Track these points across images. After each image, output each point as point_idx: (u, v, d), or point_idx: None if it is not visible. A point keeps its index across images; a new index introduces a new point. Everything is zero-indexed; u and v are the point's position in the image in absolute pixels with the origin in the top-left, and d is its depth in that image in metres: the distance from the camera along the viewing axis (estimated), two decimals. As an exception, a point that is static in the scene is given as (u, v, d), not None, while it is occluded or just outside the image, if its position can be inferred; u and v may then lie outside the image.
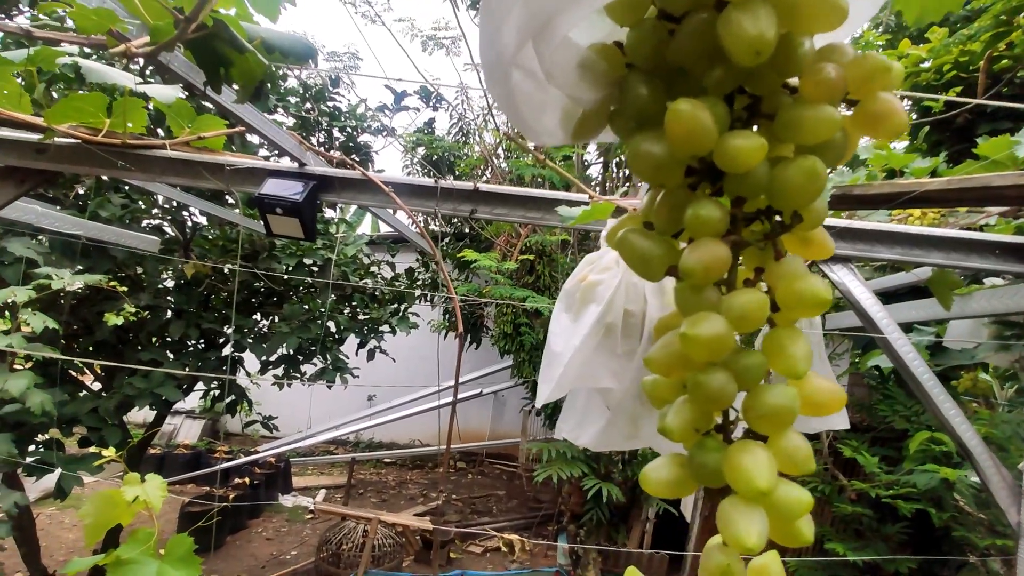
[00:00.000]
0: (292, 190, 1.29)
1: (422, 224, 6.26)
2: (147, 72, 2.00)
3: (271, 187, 1.29)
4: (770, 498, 0.28)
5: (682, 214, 0.32)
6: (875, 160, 1.53)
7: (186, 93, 1.03)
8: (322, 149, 4.13)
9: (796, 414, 0.29)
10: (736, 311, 0.29)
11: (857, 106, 0.31)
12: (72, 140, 1.16)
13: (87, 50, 1.01)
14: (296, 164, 1.33)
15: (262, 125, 1.17)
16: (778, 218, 0.33)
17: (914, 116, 4.49)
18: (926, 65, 4.21)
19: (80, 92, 1.39)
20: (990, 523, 3.43)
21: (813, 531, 0.29)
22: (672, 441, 0.31)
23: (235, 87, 0.85)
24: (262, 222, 1.30)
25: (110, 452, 1.33)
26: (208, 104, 1.60)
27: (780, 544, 0.30)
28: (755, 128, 0.34)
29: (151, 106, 1.71)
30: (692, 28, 0.31)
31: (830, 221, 1.24)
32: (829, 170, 0.32)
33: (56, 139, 1.18)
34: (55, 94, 2.26)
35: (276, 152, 1.37)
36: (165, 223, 3.23)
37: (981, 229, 1.55)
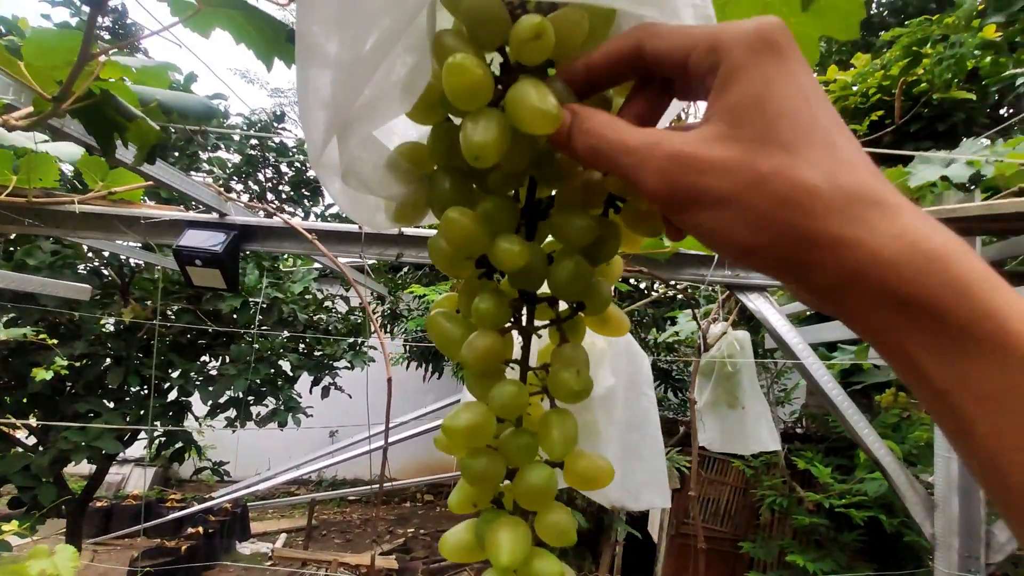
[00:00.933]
0: (212, 241, 1.28)
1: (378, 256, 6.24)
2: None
3: (190, 239, 1.28)
4: (522, 570, 0.30)
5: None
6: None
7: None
8: (269, 185, 4.10)
9: (555, 491, 0.31)
10: (497, 401, 0.31)
11: (625, 204, 0.34)
12: (-26, 200, 1.14)
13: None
14: (216, 215, 1.33)
15: (173, 180, 1.17)
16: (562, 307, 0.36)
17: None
18: (855, 89, 4.47)
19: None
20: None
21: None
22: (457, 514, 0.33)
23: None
24: (182, 274, 1.29)
25: (12, 525, 1.27)
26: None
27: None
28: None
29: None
30: (470, 131, 0.34)
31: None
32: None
33: (-43, 199, 1.15)
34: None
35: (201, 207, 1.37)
36: (103, 267, 3.13)
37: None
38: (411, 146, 0.38)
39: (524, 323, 0.35)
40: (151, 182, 1.17)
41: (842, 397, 1.42)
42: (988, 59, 3.90)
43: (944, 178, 1.39)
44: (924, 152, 1.44)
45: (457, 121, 0.37)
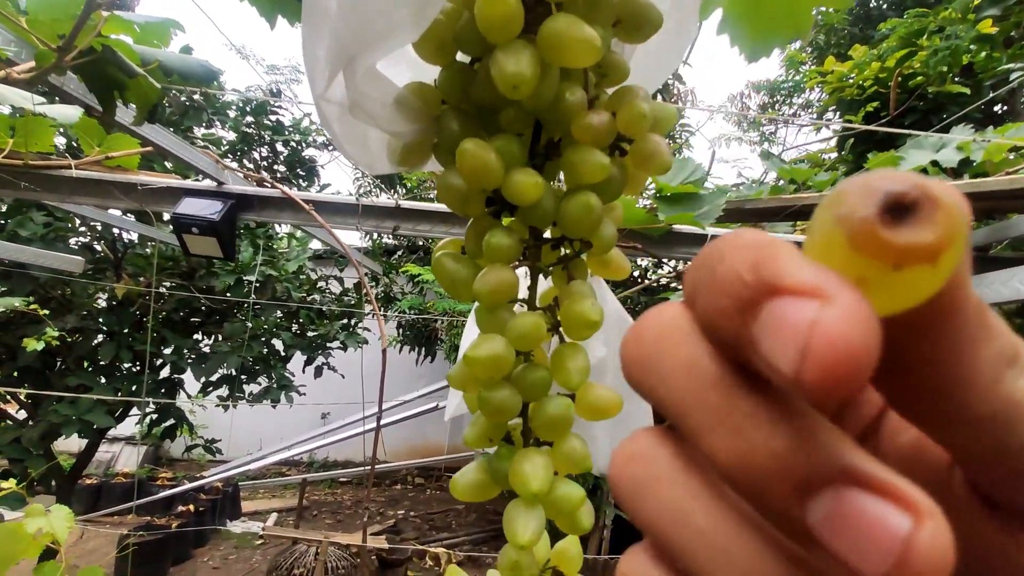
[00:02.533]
0: (209, 209, 1.28)
1: (376, 239, 6.20)
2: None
3: (187, 206, 1.28)
4: (546, 498, 0.31)
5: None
6: (782, 173, 1.63)
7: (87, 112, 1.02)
8: (264, 164, 4.07)
9: (571, 422, 0.32)
10: (516, 332, 0.32)
11: (632, 145, 0.35)
12: (-31, 161, 1.13)
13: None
14: (214, 183, 1.32)
15: (172, 146, 1.16)
16: (576, 243, 0.37)
17: (842, 129, 4.77)
18: (851, 80, 4.48)
19: (-21, 112, 1.34)
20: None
21: (592, 519, 0.33)
22: (472, 450, 0.34)
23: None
24: (178, 242, 1.29)
25: (10, 484, 1.27)
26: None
27: (565, 531, 0.34)
28: (559, 166, 0.38)
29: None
30: (484, 70, 0.35)
31: (732, 233, 1.31)
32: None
33: (-49, 161, 1.14)
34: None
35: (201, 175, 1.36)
36: (95, 241, 3.11)
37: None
38: (420, 85, 0.39)
39: (532, 261, 0.36)
40: (149, 147, 1.17)
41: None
42: (983, 53, 3.93)
43: (934, 163, 1.41)
44: (918, 135, 1.46)
45: (467, 60, 0.38)
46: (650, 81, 0.44)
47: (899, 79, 3.92)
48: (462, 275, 0.36)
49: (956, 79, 4.01)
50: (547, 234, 0.39)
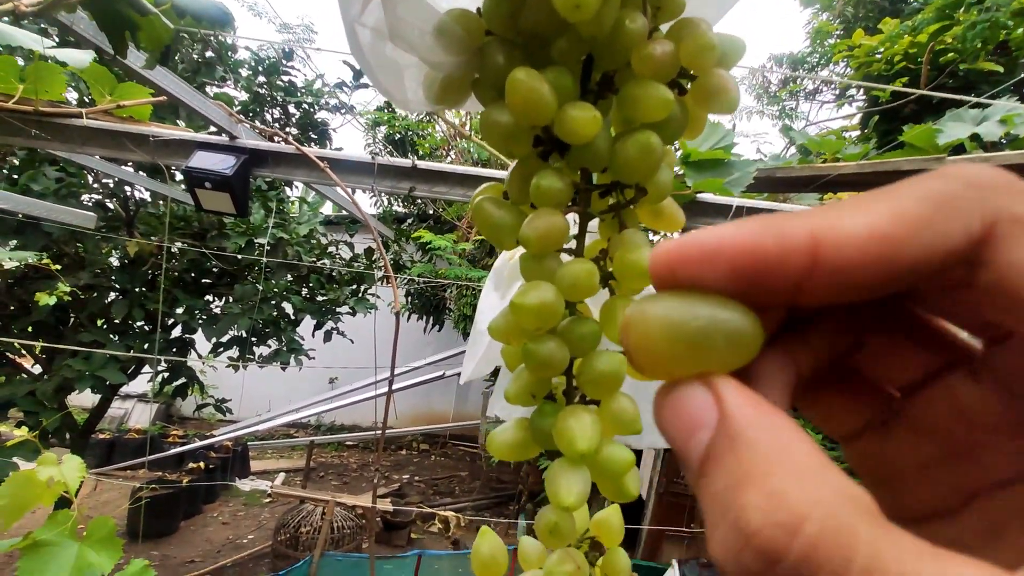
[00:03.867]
0: (223, 164, 1.25)
1: (386, 206, 6.16)
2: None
3: (200, 160, 1.25)
4: (593, 459, 0.29)
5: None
6: (811, 145, 1.57)
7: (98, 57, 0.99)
8: (275, 125, 4.01)
9: (622, 379, 0.30)
10: (567, 280, 0.30)
11: (695, 82, 0.32)
12: (-21, 107, 1.10)
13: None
14: (227, 137, 1.29)
15: (183, 94, 1.13)
16: (627, 191, 0.34)
17: (866, 106, 4.63)
18: (879, 55, 4.33)
19: (-11, 56, 1.30)
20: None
21: (639, 486, 0.30)
22: (513, 406, 0.32)
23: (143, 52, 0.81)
24: (191, 197, 1.26)
25: (23, 431, 1.28)
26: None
27: (611, 499, 0.32)
28: (612, 102, 0.35)
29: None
30: (538, -4, 0.31)
31: (760, 204, 1.27)
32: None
33: (-39, 105, 1.11)
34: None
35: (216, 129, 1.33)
36: (107, 199, 3.09)
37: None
38: (463, 12, 0.35)
39: (583, 207, 0.33)
40: (162, 97, 1.13)
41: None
42: (1020, 30, 3.76)
43: (975, 136, 1.35)
44: (958, 99, 1.39)
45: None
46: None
47: (931, 53, 3.78)
48: (506, 221, 0.33)
49: (990, 57, 3.86)
50: (593, 180, 0.36)
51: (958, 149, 1.39)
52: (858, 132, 4.40)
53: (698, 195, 1.29)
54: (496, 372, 1.12)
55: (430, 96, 0.37)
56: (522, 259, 0.32)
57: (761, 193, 1.45)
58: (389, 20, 0.32)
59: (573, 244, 0.34)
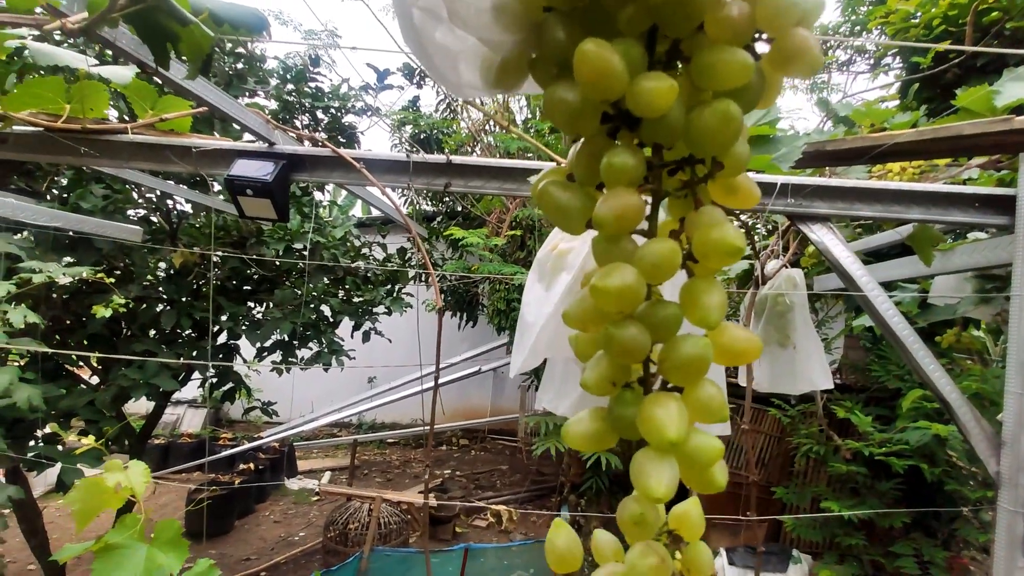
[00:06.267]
0: (262, 171, 1.27)
1: (414, 204, 6.21)
2: (108, 54, 1.95)
3: (241, 168, 1.27)
4: (681, 448, 0.28)
5: (600, 164, 0.31)
6: (855, 116, 1.51)
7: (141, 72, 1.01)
8: (306, 131, 4.08)
9: (709, 364, 0.28)
10: (648, 261, 0.28)
11: (772, 44, 0.30)
12: (32, 128, 1.14)
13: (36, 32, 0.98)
14: (265, 144, 1.31)
15: (223, 103, 1.15)
16: (699, 166, 0.32)
17: (904, 74, 4.42)
18: (916, 20, 4.13)
19: (37, 77, 1.35)
20: (983, 477, 3.49)
21: (726, 477, 0.29)
22: (593, 395, 0.31)
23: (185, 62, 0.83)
24: (233, 205, 1.29)
25: (89, 440, 1.34)
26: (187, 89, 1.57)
27: (696, 491, 0.30)
28: (679, 72, 0.33)
29: (116, 91, 1.67)
30: (601, -35, 0.30)
31: (808, 180, 1.23)
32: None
33: (15, 127, 1.16)
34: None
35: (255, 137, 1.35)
36: (151, 213, 3.20)
37: (964, 183, 1.54)
38: (520, -15, 0.34)
39: (657, 185, 0.32)
40: (203, 108, 1.16)
41: (908, 332, 1.36)
42: (1076, -20, 3.53)
43: (1039, 96, 1.27)
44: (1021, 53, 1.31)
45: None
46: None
47: (975, 13, 3.58)
48: (574, 203, 0.32)
49: (1041, 12, 3.63)
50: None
51: (1018, 110, 1.31)
52: (896, 102, 4.21)
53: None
54: (542, 365, 1.11)
55: (488, 80, 0.36)
56: (595, 242, 0.31)
57: (805, 169, 1.40)
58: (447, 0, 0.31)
59: (644, 226, 0.33)
